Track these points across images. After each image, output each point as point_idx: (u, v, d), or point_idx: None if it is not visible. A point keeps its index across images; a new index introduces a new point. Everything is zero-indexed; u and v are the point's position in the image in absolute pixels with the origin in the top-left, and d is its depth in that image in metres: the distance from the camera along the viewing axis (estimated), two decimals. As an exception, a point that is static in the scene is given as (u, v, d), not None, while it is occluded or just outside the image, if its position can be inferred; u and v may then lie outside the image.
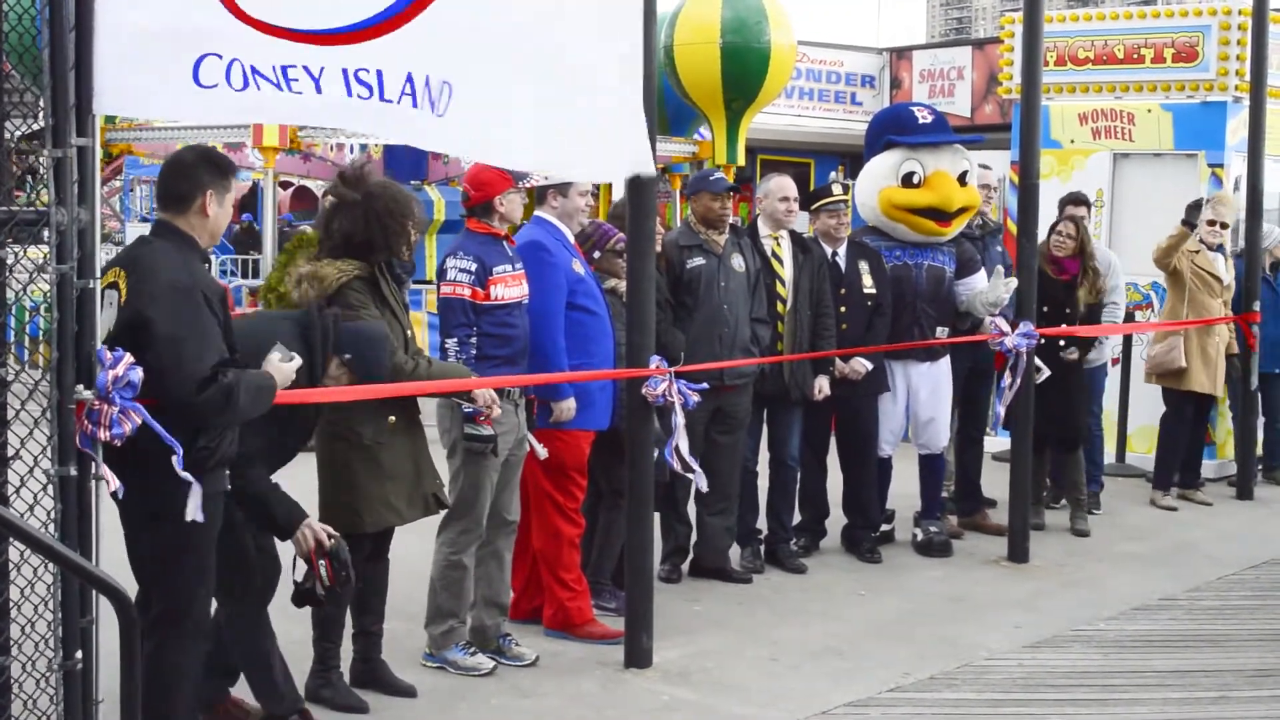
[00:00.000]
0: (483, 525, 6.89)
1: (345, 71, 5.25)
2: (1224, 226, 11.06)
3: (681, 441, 7.26)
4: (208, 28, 5.06)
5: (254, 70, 5.11)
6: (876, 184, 9.43)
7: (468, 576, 6.91)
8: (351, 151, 16.44)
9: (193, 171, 5.29)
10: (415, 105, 5.37)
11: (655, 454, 7.21)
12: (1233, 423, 12.04)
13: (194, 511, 4.99)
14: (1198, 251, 10.95)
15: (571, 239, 7.50)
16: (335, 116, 5.55)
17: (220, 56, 5.07)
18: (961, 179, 9.36)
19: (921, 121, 9.52)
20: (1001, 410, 9.52)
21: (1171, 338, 10.93)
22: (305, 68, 5.19)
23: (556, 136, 5.96)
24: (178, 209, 5.27)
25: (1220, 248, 11.11)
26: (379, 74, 5.29)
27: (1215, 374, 11.01)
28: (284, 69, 5.15)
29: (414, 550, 7.32)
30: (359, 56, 5.26)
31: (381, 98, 5.30)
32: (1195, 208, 10.87)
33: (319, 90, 5.21)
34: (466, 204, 7.01)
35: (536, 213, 7.46)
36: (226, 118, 6.17)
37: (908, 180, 9.31)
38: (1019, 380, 9.23)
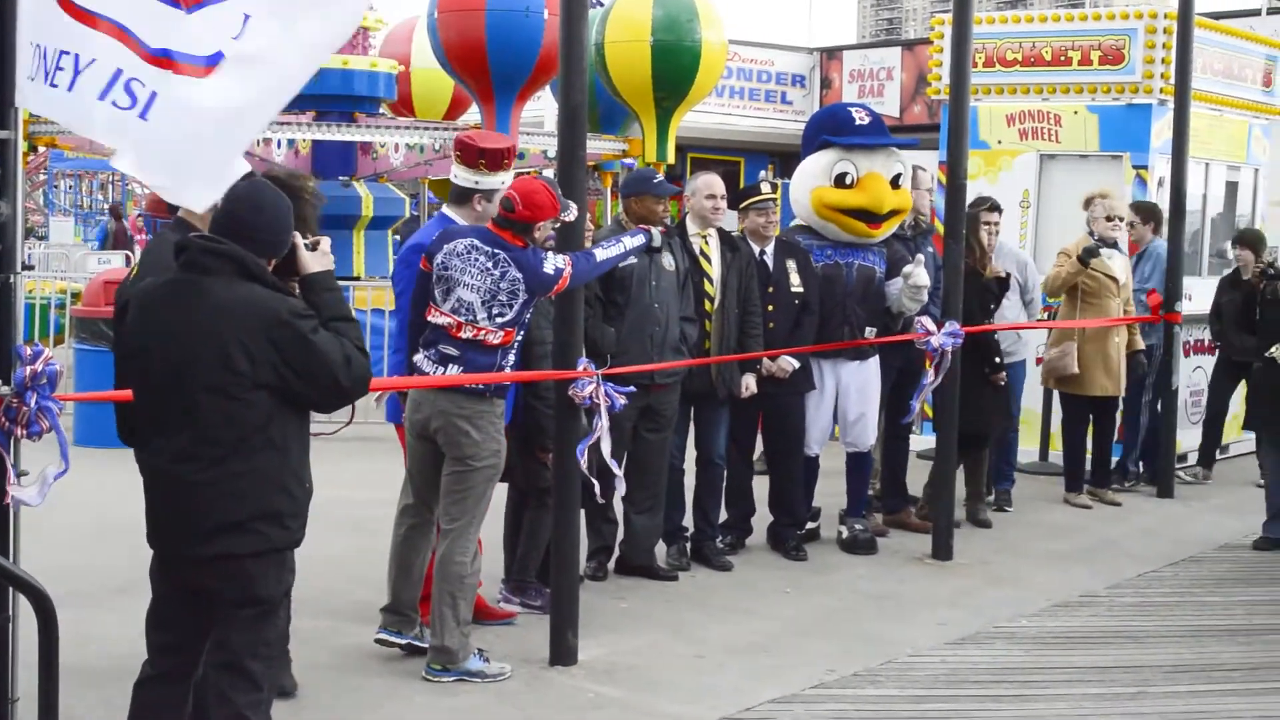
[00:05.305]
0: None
1: (119, 72, 4.76)
2: (1122, 220, 11.17)
3: (604, 443, 7.24)
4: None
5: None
6: (809, 183, 9.46)
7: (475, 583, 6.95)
8: (279, 147, 16.34)
9: None
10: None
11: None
12: (1149, 418, 12.09)
13: (30, 496, 4.90)
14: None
15: None
16: (71, 113, 4.92)
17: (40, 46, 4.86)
18: (894, 182, 9.39)
19: (858, 123, 9.52)
20: (915, 405, 9.58)
21: (1065, 343, 11.03)
22: (76, 56, 4.80)
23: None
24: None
25: (1115, 244, 11.19)
26: (153, 95, 4.76)
27: (1118, 376, 11.12)
28: (59, 53, 4.81)
29: (318, 547, 7.30)
30: (143, 70, 4.77)
31: (143, 115, 4.77)
32: (1091, 252, 10.89)
33: (71, 87, 4.80)
34: (509, 214, 6.77)
35: (447, 212, 7.26)
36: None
37: (840, 181, 9.33)
38: (940, 379, 9.30)
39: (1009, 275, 10.48)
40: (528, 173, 10.65)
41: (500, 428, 6.86)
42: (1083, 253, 10.82)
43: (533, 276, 6.70)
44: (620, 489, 7.61)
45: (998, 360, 10.30)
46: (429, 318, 6.80)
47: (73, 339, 13.50)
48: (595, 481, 7.29)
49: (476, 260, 6.70)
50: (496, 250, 6.71)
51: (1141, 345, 11.35)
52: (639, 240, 7.48)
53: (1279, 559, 9.76)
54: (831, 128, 9.60)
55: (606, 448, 7.21)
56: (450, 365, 6.70)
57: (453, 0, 15.01)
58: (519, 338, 6.84)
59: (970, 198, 9.78)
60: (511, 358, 6.83)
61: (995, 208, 10.69)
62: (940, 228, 10.04)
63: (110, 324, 6.35)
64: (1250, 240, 11.93)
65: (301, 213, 5.70)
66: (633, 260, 8.30)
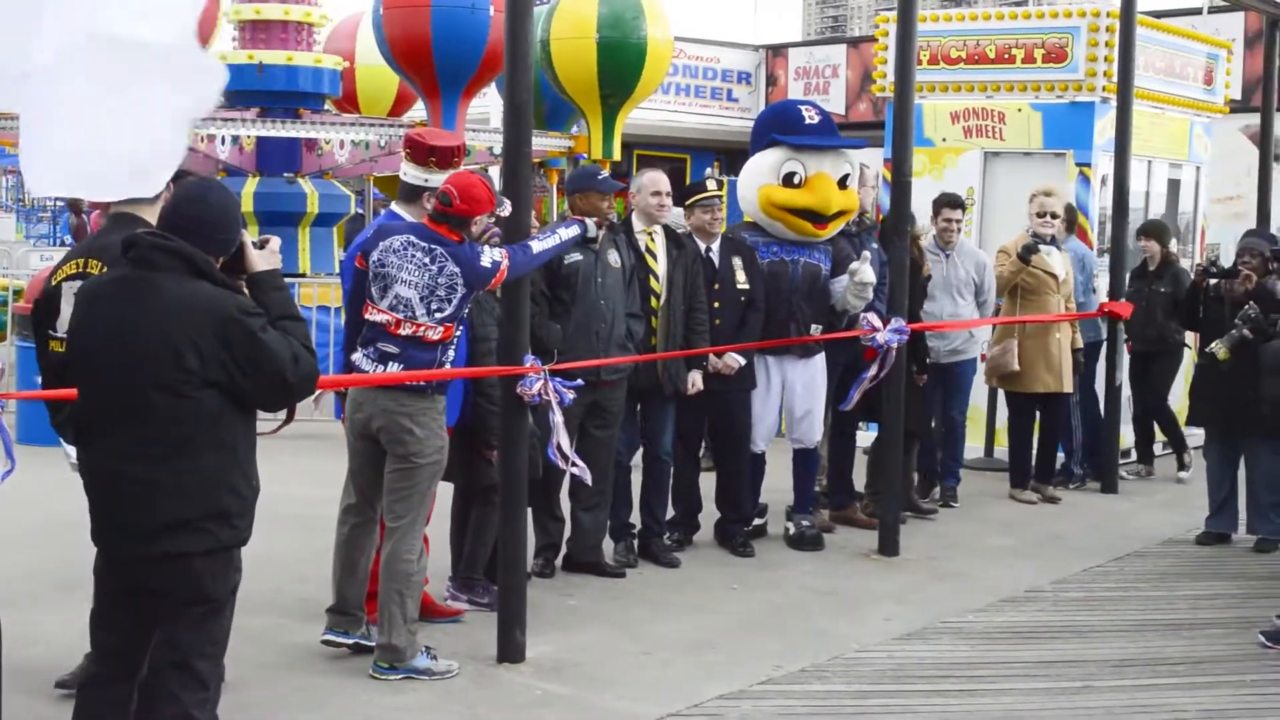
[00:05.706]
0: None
1: None
2: (1054, 216, 11.18)
3: (562, 438, 7.25)
4: None
5: None
6: (757, 180, 9.45)
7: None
8: (224, 143, 16.22)
9: None
10: None
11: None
12: (1081, 417, 12.13)
13: None
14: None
15: None
16: None
17: None
18: (842, 182, 9.40)
19: (808, 122, 9.49)
20: (855, 394, 9.55)
21: (1006, 340, 11.09)
22: None
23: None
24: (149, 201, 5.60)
25: (1053, 240, 11.25)
26: None
27: (1060, 371, 11.15)
28: None
29: (264, 545, 7.26)
30: None
31: None
32: (1030, 249, 10.95)
33: None
34: (446, 209, 6.72)
35: (396, 209, 7.22)
36: None
37: (788, 180, 9.32)
38: (883, 374, 9.33)
39: (929, 276, 10.52)
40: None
41: (443, 424, 6.84)
42: (1022, 250, 10.88)
43: (470, 270, 6.68)
44: (587, 479, 7.61)
45: (926, 359, 10.33)
46: (366, 315, 6.76)
47: (14, 336, 13.37)
48: (578, 474, 7.43)
49: (414, 256, 6.67)
50: (433, 245, 6.69)
51: (1080, 344, 11.42)
52: (574, 230, 7.48)
53: (1222, 553, 9.84)
54: (781, 126, 9.57)
55: (565, 441, 7.23)
56: (390, 363, 6.66)
57: (398, -4, 14.95)
58: (459, 333, 6.82)
59: (915, 196, 9.79)
60: (451, 353, 6.80)
61: (957, 203, 10.73)
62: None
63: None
64: (1155, 231, 12.06)
65: None
66: (578, 256, 8.30)
